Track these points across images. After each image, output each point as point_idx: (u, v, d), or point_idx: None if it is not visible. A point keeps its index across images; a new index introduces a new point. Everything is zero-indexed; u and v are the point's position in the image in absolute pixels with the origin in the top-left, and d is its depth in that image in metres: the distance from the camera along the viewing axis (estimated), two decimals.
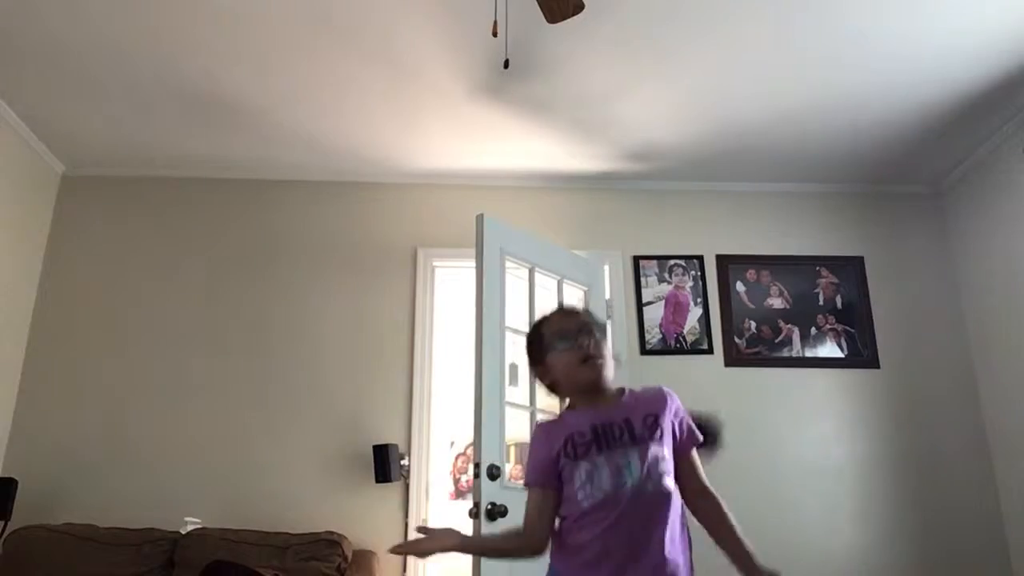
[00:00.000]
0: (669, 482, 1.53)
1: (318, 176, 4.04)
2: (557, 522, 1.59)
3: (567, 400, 1.69)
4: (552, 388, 1.71)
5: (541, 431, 1.67)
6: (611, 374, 1.64)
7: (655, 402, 1.62)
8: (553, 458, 1.58)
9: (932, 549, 3.55)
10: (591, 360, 1.61)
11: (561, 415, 1.70)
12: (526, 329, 3.20)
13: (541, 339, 1.70)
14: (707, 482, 1.62)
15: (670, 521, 1.51)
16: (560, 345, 1.64)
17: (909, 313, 3.93)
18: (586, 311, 1.75)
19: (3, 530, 3.21)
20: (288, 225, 3.97)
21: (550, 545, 1.58)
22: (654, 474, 1.51)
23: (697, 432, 1.64)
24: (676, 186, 4.14)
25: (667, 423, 1.59)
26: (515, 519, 2.75)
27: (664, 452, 1.55)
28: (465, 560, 2.79)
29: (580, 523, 1.53)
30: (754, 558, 1.51)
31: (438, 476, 4.64)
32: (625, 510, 1.49)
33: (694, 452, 1.63)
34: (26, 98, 3.41)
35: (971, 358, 3.85)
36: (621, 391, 1.65)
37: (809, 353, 3.85)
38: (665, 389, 1.66)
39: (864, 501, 3.62)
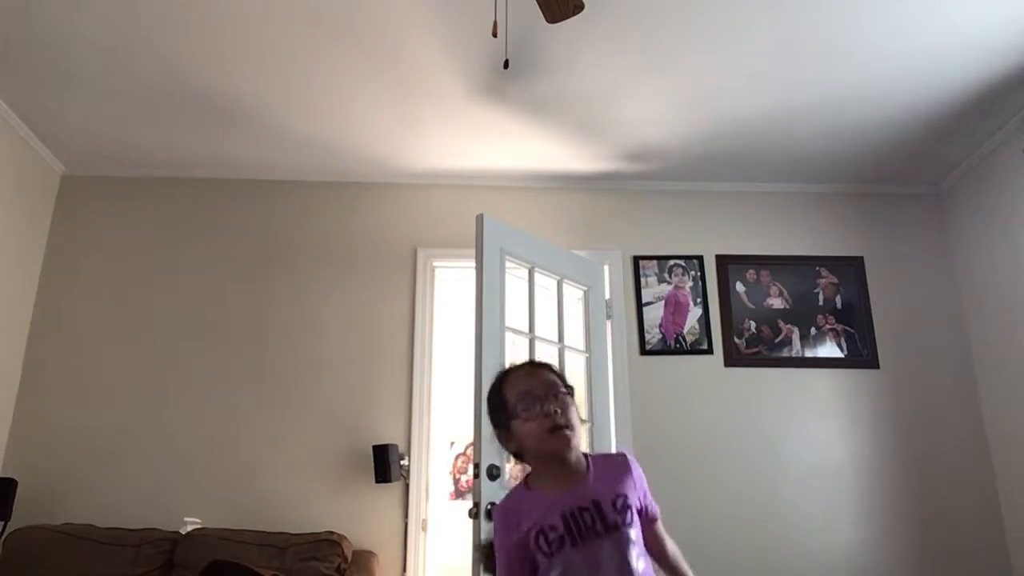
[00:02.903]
0: (642, 565, 1.47)
1: (318, 176, 4.04)
2: None
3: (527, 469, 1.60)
4: (517, 456, 1.58)
5: (501, 520, 1.54)
6: (579, 442, 1.53)
7: (621, 479, 1.53)
8: (524, 548, 1.47)
9: (932, 549, 3.55)
10: (559, 431, 1.50)
11: (518, 495, 1.58)
12: (526, 329, 3.24)
13: (504, 403, 1.56)
14: (669, 544, 1.61)
15: None
16: (525, 411, 1.52)
17: (909, 313, 3.93)
18: (550, 367, 1.62)
19: (3, 530, 3.21)
20: (288, 225, 3.97)
21: None
22: (629, 558, 1.44)
23: (654, 507, 1.59)
24: (676, 186, 4.14)
25: (633, 499, 1.51)
26: None
27: (634, 535, 1.47)
28: (465, 559, 2.79)
29: None
30: None
31: (438, 476, 4.64)
32: None
33: (658, 523, 1.59)
34: (26, 98, 3.41)
35: (971, 358, 3.85)
36: (585, 461, 1.55)
37: (809, 353, 3.86)
38: (629, 459, 1.59)
39: (864, 501, 3.62)
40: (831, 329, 3.90)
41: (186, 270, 3.87)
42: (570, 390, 1.56)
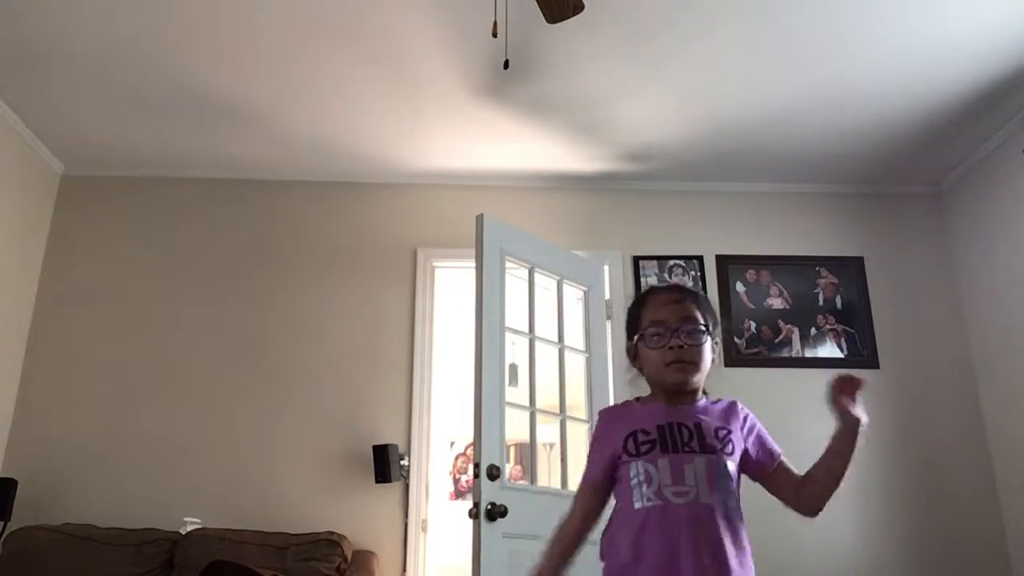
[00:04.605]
0: (732, 501, 1.42)
1: (318, 176, 4.04)
2: (607, 518, 1.50)
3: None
4: (640, 371, 1.58)
5: (604, 422, 1.55)
6: (701, 380, 1.50)
7: (728, 415, 1.51)
8: (614, 455, 1.47)
9: (931, 549, 3.55)
10: (677, 365, 1.46)
11: (626, 405, 1.58)
12: (526, 329, 3.24)
13: (638, 323, 1.54)
14: (800, 473, 1.54)
15: (729, 540, 1.38)
16: (652, 336, 1.48)
17: (909, 313, 3.93)
18: (697, 297, 1.54)
19: (3, 530, 3.21)
20: (288, 225, 3.97)
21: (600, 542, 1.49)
22: (719, 488, 1.40)
23: (774, 446, 1.55)
24: (676, 186, 4.14)
25: (738, 439, 1.49)
26: (515, 519, 2.76)
27: (732, 468, 1.44)
28: (465, 559, 2.79)
29: (631, 524, 1.40)
30: (847, 430, 1.44)
31: (438, 476, 4.64)
32: (681, 520, 1.36)
33: (783, 462, 1.55)
34: (26, 98, 3.41)
35: (971, 358, 3.85)
36: (700, 395, 1.53)
37: (809, 353, 3.85)
38: (739, 403, 1.56)
39: (863, 501, 3.62)
40: (831, 329, 3.90)
41: (186, 270, 3.87)
42: (709, 326, 1.50)
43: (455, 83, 3.27)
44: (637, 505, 1.40)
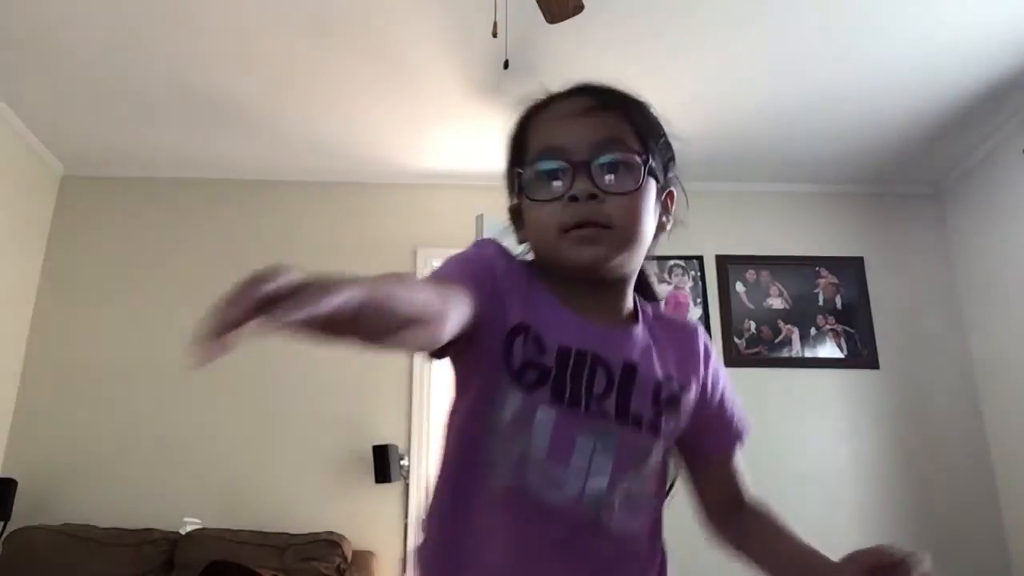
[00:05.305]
0: (652, 514, 0.87)
1: (318, 176, 4.04)
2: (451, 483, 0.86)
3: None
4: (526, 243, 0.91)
5: (504, 260, 0.88)
6: (633, 260, 0.87)
7: (685, 356, 0.91)
8: (500, 289, 0.82)
9: (931, 548, 3.48)
10: (581, 232, 0.82)
11: (531, 270, 0.90)
12: None
13: (520, 156, 0.91)
14: (750, 491, 0.95)
15: None
16: (537, 183, 0.84)
17: (909, 313, 3.93)
18: (625, 102, 0.93)
19: (3, 530, 3.21)
20: (288, 225, 3.97)
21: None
22: (636, 495, 0.83)
23: (744, 422, 0.99)
24: None
25: (692, 399, 0.89)
26: None
27: (661, 452, 0.87)
28: None
29: (479, 509, 0.82)
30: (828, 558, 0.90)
31: None
32: (549, 534, 0.80)
33: (738, 451, 0.97)
34: (26, 98, 3.40)
35: (971, 358, 3.84)
36: (635, 306, 0.90)
37: (809, 353, 3.85)
38: (699, 331, 0.98)
39: (864, 501, 3.62)
40: (831, 329, 3.90)
41: (185, 270, 3.86)
42: (651, 155, 0.88)
43: (455, 83, 3.27)
44: (492, 483, 0.81)
